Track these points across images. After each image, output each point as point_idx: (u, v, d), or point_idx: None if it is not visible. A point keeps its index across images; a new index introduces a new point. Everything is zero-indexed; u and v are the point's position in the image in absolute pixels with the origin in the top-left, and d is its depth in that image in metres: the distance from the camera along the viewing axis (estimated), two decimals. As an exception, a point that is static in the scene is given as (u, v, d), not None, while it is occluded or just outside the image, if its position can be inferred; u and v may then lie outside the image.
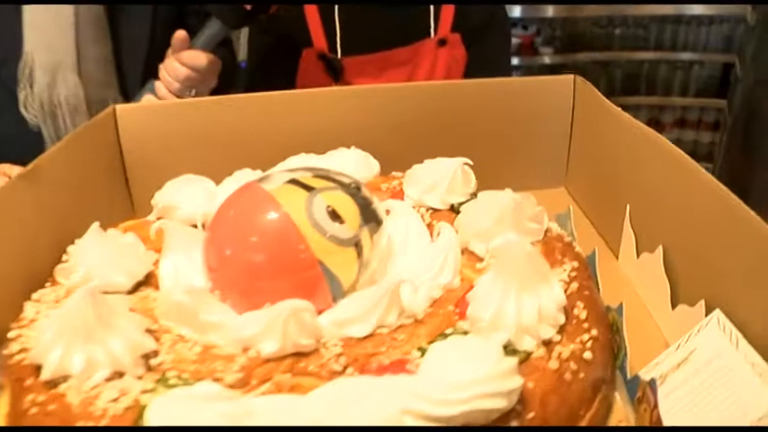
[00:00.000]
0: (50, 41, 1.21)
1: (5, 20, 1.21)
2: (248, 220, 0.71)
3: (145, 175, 1.02)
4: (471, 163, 0.86)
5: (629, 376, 0.68)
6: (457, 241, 0.76)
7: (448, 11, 1.36)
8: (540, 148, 1.10)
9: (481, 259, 0.75)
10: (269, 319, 0.64)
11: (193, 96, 1.15)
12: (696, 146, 2.99)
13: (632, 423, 0.66)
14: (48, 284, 0.76)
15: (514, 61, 3.38)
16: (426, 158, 0.89)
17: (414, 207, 0.85)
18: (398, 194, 0.88)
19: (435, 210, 0.85)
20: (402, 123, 1.04)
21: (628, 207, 0.87)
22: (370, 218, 0.74)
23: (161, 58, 1.20)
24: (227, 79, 1.30)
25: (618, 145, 0.91)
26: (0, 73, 1.22)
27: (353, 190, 0.74)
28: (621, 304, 0.71)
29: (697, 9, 3.39)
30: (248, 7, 1.11)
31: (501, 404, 0.55)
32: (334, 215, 0.70)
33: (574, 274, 0.72)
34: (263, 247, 0.69)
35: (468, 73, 1.38)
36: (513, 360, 0.57)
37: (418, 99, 1.04)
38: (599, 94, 0.99)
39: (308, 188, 0.72)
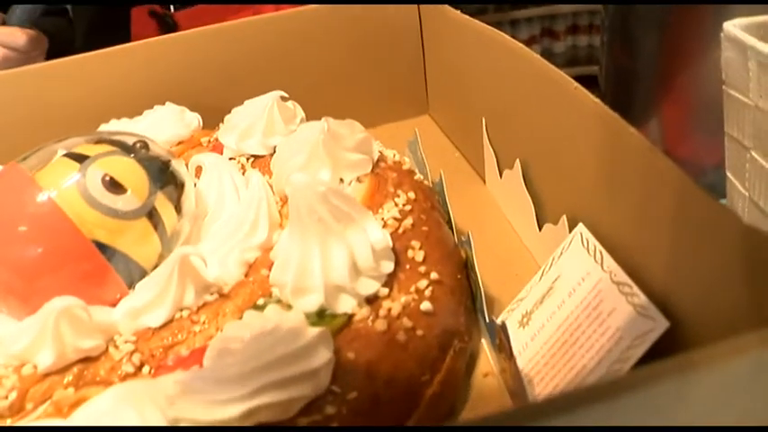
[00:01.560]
0: None
1: None
2: (10, 210, 0.57)
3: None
4: (287, 95, 0.73)
5: (487, 320, 0.56)
6: (269, 189, 0.63)
7: None
8: (393, 76, 0.96)
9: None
10: (38, 324, 0.51)
11: None
12: (591, 50, 2.92)
13: (498, 375, 0.55)
14: None
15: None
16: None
17: (233, 158, 0.72)
18: (218, 147, 0.75)
19: (257, 157, 0.72)
20: (229, 68, 0.90)
21: (483, 121, 0.75)
22: (167, 180, 0.61)
23: None
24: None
25: (472, 57, 0.78)
26: None
27: (139, 150, 0.61)
28: (469, 235, 0.59)
29: None
30: None
31: (303, 390, 0.43)
32: (114, 185, 0.57)
33: (409, 207, 0.59)
34: (32, 239, 0.56)
35: None
36: (315, 330, 0.45)
37: (246, 37, 0.90)
38: (446, 6, 0.85)
39: (81, 158, 0.58)
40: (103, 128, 0.81)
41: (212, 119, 0.82)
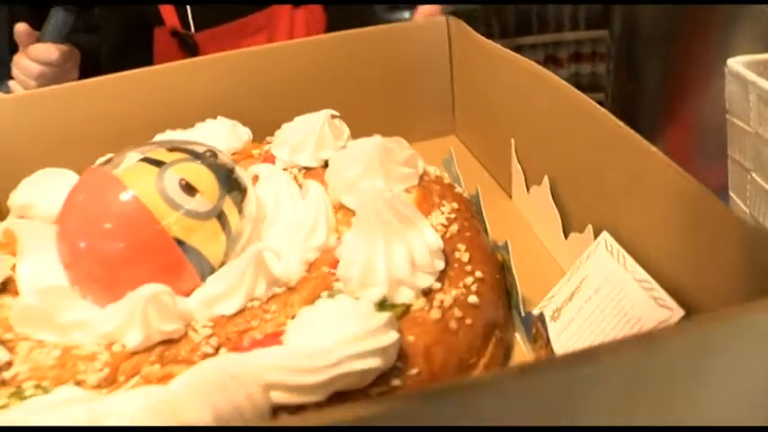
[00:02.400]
0: None
1: None
2: (97, 207, 0.64)
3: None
4: (338, 114, 0.81)
5: (523, 314, 0.64)
6: (326, 197, 0.71)
7: None
8: (422, 97, 1.04)
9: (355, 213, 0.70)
10: (128, 308, 0.58)
11: None
12: (594, 77, 3.00)
13: (532, 362, 0.63)
14: None
15: (405, 15, 3.33)
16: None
17: (286, 169, 0.79)
18: (270, 159, 0.82)
19: (309, 169, 0.79)
20: (270, 87, 0.98)
21: (513, 142, 0.83)
22: (233, 186, 0.68)
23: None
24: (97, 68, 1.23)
25: (500, 83, 0.86)
26: None
27: (209, 159, 0.68)
28: (507, 242, 0.67)
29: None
30: None
31: (375, 363, 0.50)
32: (189, 188, 0.64)
33: (453, 215, 0.67)
34: (116, 234, 0.63)
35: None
36: (385, 315, 0.53)
37: (283, 59, 0.98)
38: (474, 32, 0.93)
39: (159, 164, 0.66)
40: (159, 137, 0.88)
41: (256, 133, 0.90)
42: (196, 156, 0.68)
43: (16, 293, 0.69)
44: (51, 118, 0.93)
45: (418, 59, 1.02)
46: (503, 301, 0.64)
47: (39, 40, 1.09)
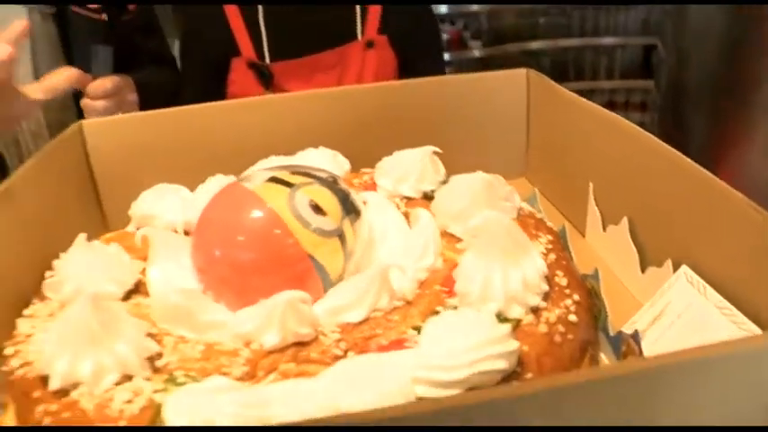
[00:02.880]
0: None
1: None
2: (235, 218, 0.73)
3: (114, 188, 1.04)
4: (440, 151, 0.90)
5: (612, 334, 0.72)
6: (435, 225, 0.80)
7: (374, 13, 1.39)
8: (498, 140, 1.14)
9: (460, 240, 0.79)
10: (267, 311, 0.66)
11: None
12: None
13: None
14: (36, 301, 0.77)
15: (446, 57, 3.45)
16: (385, 156, 0.94)
17: (388, 197, 0.88)
18: (371, 187, 0.91)
19: (409, 198, 0.89)
20: (363, 124, 1.07)
21: (591, 185, 0.91)
22: (350, 209, 0.77)
23: None
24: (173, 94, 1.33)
25: (575, 129, 0.96)
26: None
27: (331, 183, 0.77)
28: (597, 270, 0.76)
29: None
30: (104, 17, 1.12)
31: (503, 365, 0.59)
32: (317, 209, 0.73)
33: (550, 246, 0.76)
34: (253, 244, 0.72)
35: (404, 74, 1.42)
36: (507, 325, 0.61)
37: (378, 99, 1.07)
38: (552, 82, 1.03)
39: (288, 184, 0.74)
40: (264, 162, 0.97)
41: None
42: (320, 180, 0.77)
43: (147, 294, 0.78)
44: (163, 138, 1.03)
45: (497, 106, 1.12)
46: (593, 323, 0.73)
47: (93, 78, 1.18)
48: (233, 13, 1.37)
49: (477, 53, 3.66)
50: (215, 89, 1.39)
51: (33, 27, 1.21)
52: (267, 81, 1.36)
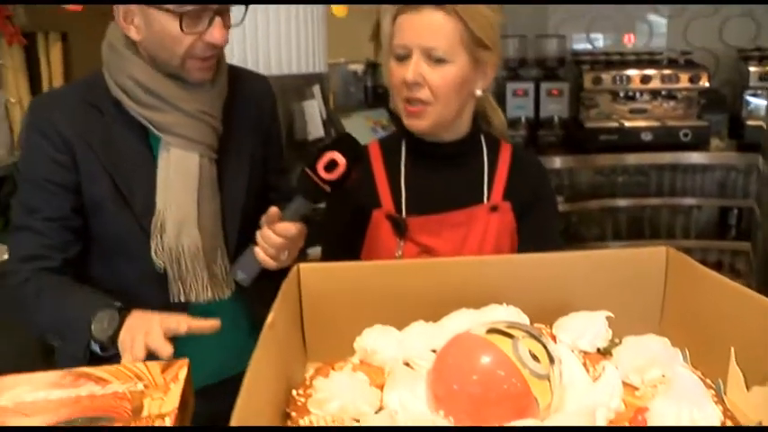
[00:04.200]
0: (179, 200, 1.45)
1: (144, 178, 1.45)
2: (471, 359, 0.96)
3: (317, 324, 1.26)
4: (613, 316, 1.13)
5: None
6: (619, 375, 1.02)
7: (500, 180, 1.59)
8: (634, 311, 1.27)
9: (637, 388, 1.02)
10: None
11: (285, 258, 1.39)
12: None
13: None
14: (293, 413, 1.00)
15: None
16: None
17: (569, 349, 1.11)
18: (552, 338, 1.14)
19: (586, 352, 1.12)
20: (520, 290, 1.26)
21: (732, 350, 1.08)
22: (552, 358, 0.99)
23: (250, 216, 1.47)
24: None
25: (712, 305, 1.15)
26: (142, 223, 1.45)
27: (537, 336, 1.00)
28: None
29: (693, 158, 3.77)
30: (327, 189, 1.33)
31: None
32: (534, 356, 0.95)
33: (715, 399, 0.97)
34: (487, 380, 0.94)
35: (522, 241, 1.59)
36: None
37: (530, 269, 1.29)
38: (691, 260, 1.23)
39: (508, 335, 0.97)
40: (458, 314, 1.19)
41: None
42: (531, 334, 0.99)
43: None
44: (370, 285, 1.25)
45: (636, 278, 1.30)
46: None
47: (281, 220, 1.37)
48: (379, 170, 1.60)
49: (560, 208, 3.90)
50: (354, 240, 1.60)
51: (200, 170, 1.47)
52: (401, 232, 1.56)
